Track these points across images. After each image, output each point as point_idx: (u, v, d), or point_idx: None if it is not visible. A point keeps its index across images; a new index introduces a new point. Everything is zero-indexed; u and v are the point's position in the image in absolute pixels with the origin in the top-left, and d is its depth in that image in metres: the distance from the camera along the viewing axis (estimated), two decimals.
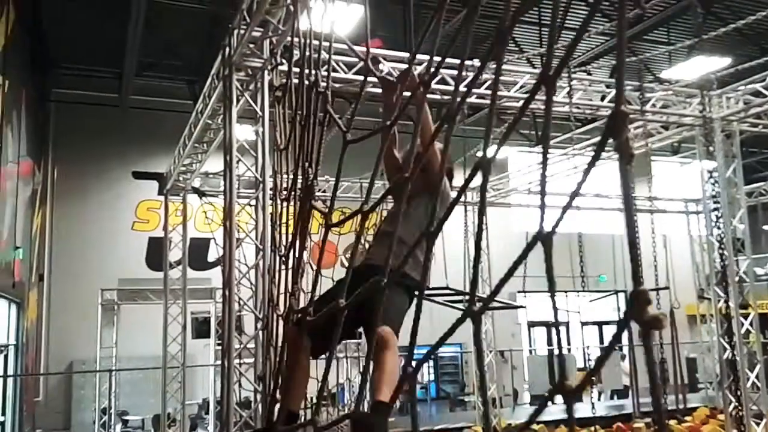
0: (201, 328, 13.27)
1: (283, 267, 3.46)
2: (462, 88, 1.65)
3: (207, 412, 14.04)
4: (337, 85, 6.12)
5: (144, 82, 14.93)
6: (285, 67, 5.98)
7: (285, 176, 3.75)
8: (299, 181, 3.26)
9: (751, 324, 9.08)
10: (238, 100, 6.38)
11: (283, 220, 3.71)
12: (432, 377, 16.54)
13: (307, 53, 2.86)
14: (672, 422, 11.26)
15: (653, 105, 9.58)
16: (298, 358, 2.53)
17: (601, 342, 18.13)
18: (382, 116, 3.17)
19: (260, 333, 6.67)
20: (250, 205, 6.95)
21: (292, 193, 3.39)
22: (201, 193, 10.08)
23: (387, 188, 2.07)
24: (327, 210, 2.56)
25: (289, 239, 3.36)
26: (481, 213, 1.35)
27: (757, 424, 8.42)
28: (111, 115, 15.08)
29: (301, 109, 3.19)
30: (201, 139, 8.62)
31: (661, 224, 13.54)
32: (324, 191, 9.95)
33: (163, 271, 10.83)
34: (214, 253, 15.11)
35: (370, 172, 2.23)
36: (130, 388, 13.91)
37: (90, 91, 15.06)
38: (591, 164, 0.98)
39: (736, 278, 9.17)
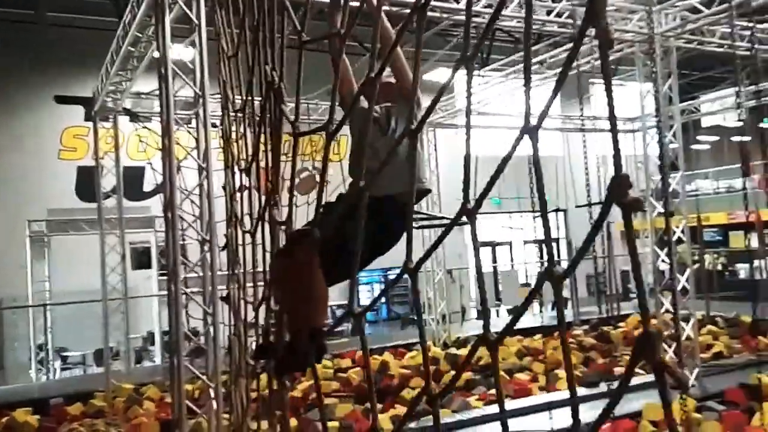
0: (141, 259, 12.86)
1: (245, 182, 3.26)
2: None
3: (152, 344, 13.85)
4: None
5: None
6: None
7: (236, 86, 3.49)
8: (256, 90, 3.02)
9: (682, 232, 9.53)
10: (170, 9, 5.90)
11: (240, 133, 3.47)
12: (383, 299, 16.87)
13: None
14: (607, 328, 11.88)
15: None
16: (318, 275, 2.42)
17: (541, 258, 18.67)
18: (329, 24, 2.94)
19: (207, 256, 6.47)
20: (189, 126, 6.61)
21: (248, 100, 3.15)
22: (134, 115, 9.49)
23: (357, 92, 1.92)
24: (294, 118, 2.38)
25: (250, 152, 3.14)
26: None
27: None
28: (28, 34, 13.91)
29: (252, 7, 2.91)
30: (131, 55, 8.02)
31: (597, 145, 13.85)
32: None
33: (97, 200, 10.30)
34: (149, 183, 14.51)
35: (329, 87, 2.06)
36: (67, 323, 13.45)
37: (3, 8, 13.77)
38: (571, 57, 1.00)
39: (670, 190, 9.53)
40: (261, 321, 2.84)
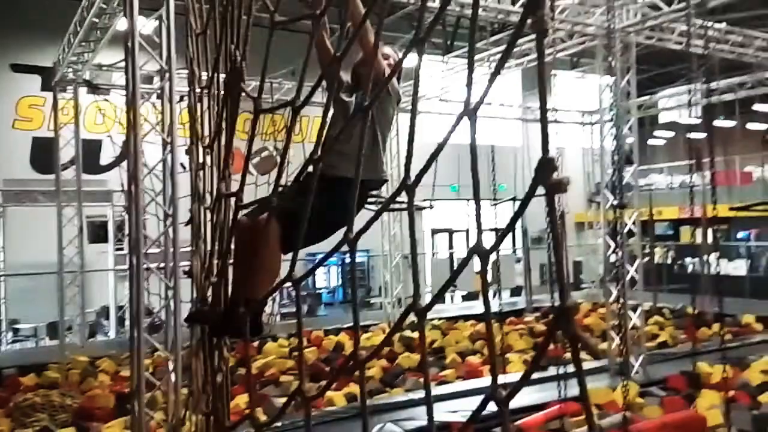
0: (97, 233, 12.67)
1: (207, 159, 3.30)
2: None
3: (107, 318, 13.72)
4: None
5: None
6: None
7: (203, 64, 3.53)
8: (222, 67, 3.07)
9: (634, 224, 9.87)
10: None
11: (204, 110, 3.51)
12: (339, 282, 17.03)
13: None
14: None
15: (559, 14, 9.77)
16: (274, 248, 2.47)
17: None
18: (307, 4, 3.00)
19: (169, 231, 6.49)
20: (151, 101, 6.58)
21: (215, 78, 3.20)
22: (95, 87, 9.34)
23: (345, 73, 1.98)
24: (256, 95, 2.45)
25: (213, 129, 3.19)
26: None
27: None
28: None
29: None
30: (94, 26, 7.89)
31: (556, 137, 14.15)
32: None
33: (55, 172, 10.13)
34: (107, 156, 14.25)
35: (299, 66, 2.14)
36: (19, 296, 13.21)
37: None
38: (512, 42, 1.01)
39: (624, 183, 9.84)
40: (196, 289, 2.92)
